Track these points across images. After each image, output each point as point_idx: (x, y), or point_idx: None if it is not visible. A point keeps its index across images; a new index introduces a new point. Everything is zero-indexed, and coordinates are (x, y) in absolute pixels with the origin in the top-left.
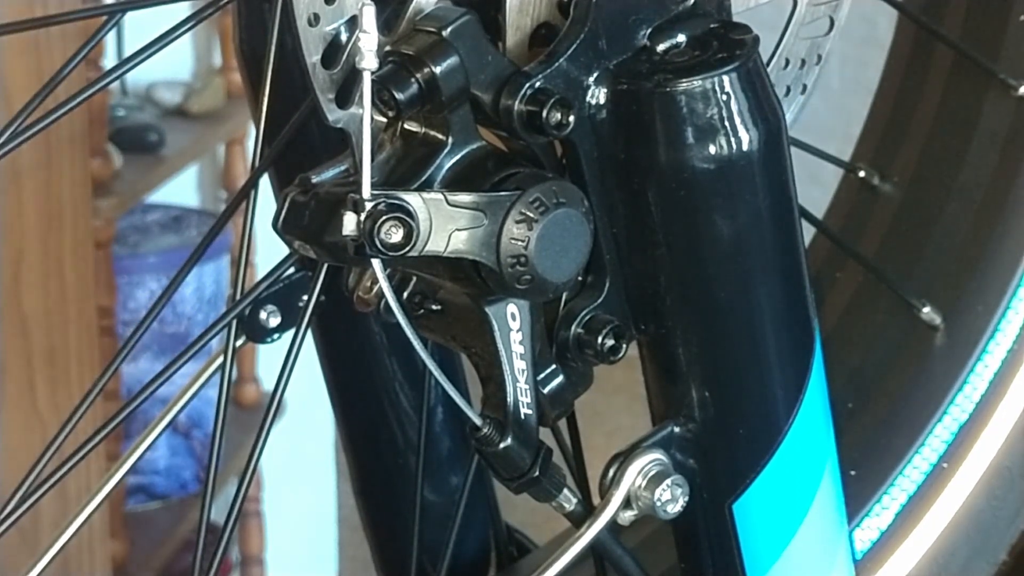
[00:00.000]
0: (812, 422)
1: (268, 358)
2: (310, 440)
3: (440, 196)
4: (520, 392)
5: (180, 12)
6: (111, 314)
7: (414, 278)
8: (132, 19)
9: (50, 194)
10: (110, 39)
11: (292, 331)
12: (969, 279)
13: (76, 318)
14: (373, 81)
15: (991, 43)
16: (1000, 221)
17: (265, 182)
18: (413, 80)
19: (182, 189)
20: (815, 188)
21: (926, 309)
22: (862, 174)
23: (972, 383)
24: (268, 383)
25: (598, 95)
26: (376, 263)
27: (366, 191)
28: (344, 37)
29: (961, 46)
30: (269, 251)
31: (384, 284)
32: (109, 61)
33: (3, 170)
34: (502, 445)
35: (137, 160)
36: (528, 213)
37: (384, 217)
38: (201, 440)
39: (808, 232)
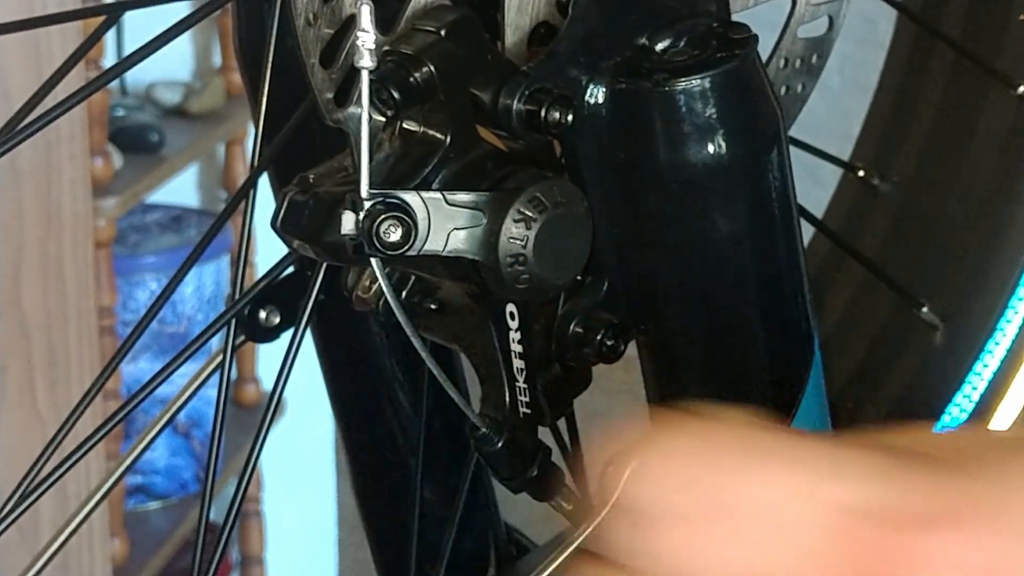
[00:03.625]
0: (810, 422)
1: (269, 358)
2: (310, 440)
3: (439, 195)
4: (519, 392)
5: (180, 12)
6: (111, 314)
7: (413, 278)
8: (132, 20)
9: (50, 194)
10: (111, 40)
11: (292, 330)
12: (969, 278)
13: (76, 318)
14: (372, 80)
15: (991, 42)
16: (1000, 220)
17: (264, 182)
18: (412, 79)
19: (182, 189)
20: (815, 188)
21: (926, 309)
22: (862, 173)
23: (972, 383)
24: (268, 383)
25: (597, 94)
26: (375, 262)
27: (364, 190)
28: (343, 37)
29: (961, 45)
30: (269, 251)
31: (384, 283)
32: (109, 62)
33: (3, 170)
34: (501, 444)
35: (137, 160)
36: (527, 212)
37: (382, 216)
38: (201, 440)
39: (808, 232)
